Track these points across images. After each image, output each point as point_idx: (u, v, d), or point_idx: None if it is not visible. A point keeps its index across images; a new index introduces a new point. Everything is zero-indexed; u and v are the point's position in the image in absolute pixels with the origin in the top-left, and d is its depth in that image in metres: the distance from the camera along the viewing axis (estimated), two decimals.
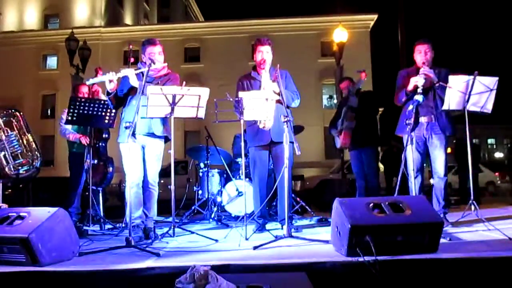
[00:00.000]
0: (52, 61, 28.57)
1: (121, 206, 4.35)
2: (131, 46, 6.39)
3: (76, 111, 4.50)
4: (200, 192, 6.12)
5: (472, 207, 3.76)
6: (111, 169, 5.18)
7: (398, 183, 4.00)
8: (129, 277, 2.50)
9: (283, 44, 27.01)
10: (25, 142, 4.54)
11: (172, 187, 3.73)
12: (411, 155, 3.89)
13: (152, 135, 3.86)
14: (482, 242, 3.12)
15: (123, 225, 4.32)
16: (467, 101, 3.70)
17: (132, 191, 3.77)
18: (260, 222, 4.07)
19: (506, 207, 5.96)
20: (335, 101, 15.68)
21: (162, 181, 14.53)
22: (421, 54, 4.07)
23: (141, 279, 2.49)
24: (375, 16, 28.11)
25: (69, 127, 5.19)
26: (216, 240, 3.54)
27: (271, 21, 28.32)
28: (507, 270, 2.43)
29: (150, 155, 3.86)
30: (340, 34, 10.68)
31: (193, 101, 3.75)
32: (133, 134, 3.77)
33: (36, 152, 4.57)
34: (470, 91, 3.67)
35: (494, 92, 3.66)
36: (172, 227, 3.70)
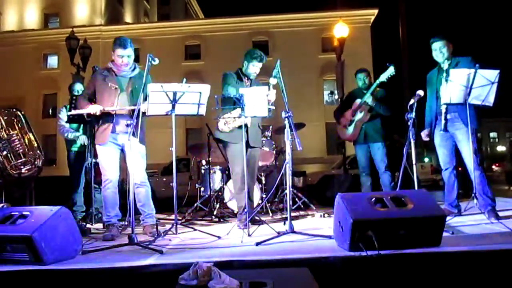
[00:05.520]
0: (53, 60, 28.58)
1: (124, 204, 4.36)
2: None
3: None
4: (202, 189, 6.13)
5: (475, 200, 3.75)
6: None
7: (400, 177, 4.00)
8: (132, 274, 2.51)
9: (283, 40, 27.03)
10: (26, 141, 4.55)
11: (174, 184, 3.74)
12: (413, 150, 3.89)
13: (132, 134, 3.84)
14: (485, 235, 3.12)
15: (126, 223, 4.33)
16: (469, 94, 3.69)
17: (108, 191, 3.86)
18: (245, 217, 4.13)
19: (507, 199, 5.95)
20: (336, 96, 15.67)
21: (164, 179, 14.56)
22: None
23: (144, 276, 2.49)
24: (375, 11, 28.02)
25: (67, 125, 5.21)
26: (219, 237, 3.54)
27: (271, 18, 28.27)
28: (509, 263, 2.43)
29: (133, 154, 3.80)
30: (340, 30, 10.65)
31: (194, 98, 3.74)
32: (113, 133, 3.84)
33: (38, 151, 4.58)
34: (472, 85, 3.66)
35: (495, 85, 3.64)
36: (175, 224, 3.70)
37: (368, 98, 4.87)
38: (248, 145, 4.19)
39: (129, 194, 3.47)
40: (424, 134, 4.34)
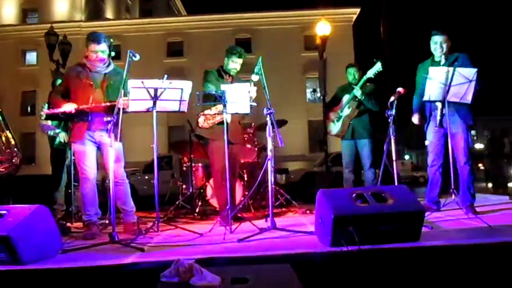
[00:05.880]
0: (31, 57, 28.06)
1: (105, 203, 4.31)
2: (112, 41, 6.28)
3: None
4: (184, 186, 6.10)
5: (453, 195, 3.82)
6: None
7: (380, 173, 4.05)
8: (114, 272, 2.48)
9: (266, 38, 27.06)
10: (3, 139, 4.44)
11: (155, 182, 3.71)
12: (394, 146, 3.93)
13: (108, 130, 3.79)
14: (463, 230, 3.18)
15: (107, 222, 4.29)
16: (448, 92, 3.75)
17: (86, 190, 3.82)
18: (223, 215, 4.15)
19: (485, 195, 6.08)
20: (319, 94, 15.76)
21: (146, 177, 14.46)
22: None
23: (125, 274, 2.47)
24: (357, 10, 28.29)
25: (49, 122, 5.12)
26: (201, 234, 3.53)
27: (254, 15, 28.29)
28: (487, 257, 2.48)
29: (111, 151, 3.68)
30: (323, 28, 10.69)
31: (175, 94, 3.72)
32: (89, 131, 3.79)
33: (15, 149, 4.47)
34: (450, 83, 3.72)
35: (473, 83, 3.70)
36: (156, 222, 3.68)
37: (357, 92, 4.86)
38: (228, 142, 4.20)
39: (109, 192, 3.43)
40: (416, 119, 4.34)
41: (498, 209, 4.27)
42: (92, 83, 3.80)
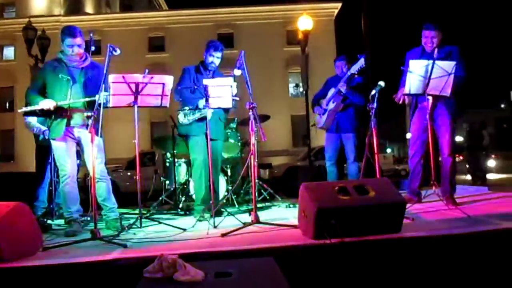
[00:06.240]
0: (9, 52, 27.47)
1: (87, 200, 4.26)
2: (92, 35, 6.18)
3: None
4: (167, 182, 6.06)
5: (434, 187, 3.89)
6: (78, 161, 5.05)
7: (363, 166, 4.09)
8: (96, 269, 2.46)
9: (249, 33, 26.99)
10: None
11: (138, 177, 3.69)
12: (375, 139, 3.97)
13: (88, 126, 3.74)
14: (443, 220, 3.24)
15: (88, 219, 4.24)
16: (427, 85, 3.80)
17: (67, 186, 3.77)
18: (201, 208, 4.20)
19: (465, 186, 6.20)
20: (301, 89, 15.81)
21: (129, 173, 14.33)
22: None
23: (108, 270, 2.44)
24: (339, 5, 28.41)
25: (34, 119, 5.01)
26: (184, 229, 3.52)
27: (236, 10, 28.19)
28: (466, 246, 2.54)
29: (90, 146, 3.59)
30: (305, 22, 10.70)
31: (157, 89, 3.69)
32: (69, 127, 3.73)
33: None
34: (430, 76, 3.77)
35: (452, 76, 3.75)
36: (139, 218, 3.65)
37: (342, 87, 4.88)
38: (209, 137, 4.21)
39: (91, 188, 3.39)
40: (397, 98, 4.33)
41: (477, 199, 4.36)
42: (69, 78, 3.73)
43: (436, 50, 4.05)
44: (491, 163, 14.08)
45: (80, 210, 3.91)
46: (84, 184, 5.89)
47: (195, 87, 4.21)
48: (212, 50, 4.40)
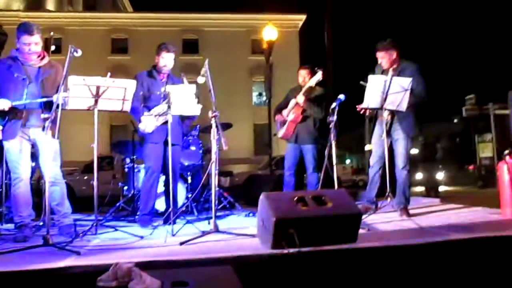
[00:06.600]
0: None
1: (39, 204, 4.11)
2: (52, 33, 6.00)
3: None
4: (125, 188, 5.94)
5: (389, 198, 4.01)
6: (33, 164, 4.86)
7: (322, 177, 4.16)
8: (47, 277, 2.37)
9: (214, 40, 26.97)
10: None
11: (95, 182, 3.60)
12: (334, 151, 4.06)
13: (43, 128, 3.63)
14: (397, 231, 3.35)
15: (40, 224, 4.09)
16: (385, 99, 3.93)
17: (19, 190, 3.62)
18: (148, 218, 4.19)
19: (418, 198, 6.43)
20: (264, 98, 15.95)
21: (85, 177, 13.91)
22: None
23: (60, 278, 2.37)
24: (303, 17, 28.93)
25: None
26: (142, 237, 3.46)
27: (202, 16, 28.10)
28: (418, 256, 2.64)
29: (46, 149, 3.56)
30: (269, 33, 10.83)
31: (118, 93, 3.63)
32: (23, 128, 3.60)
33: None
34: (388, 91, 3.90)
35: (408, 92, 3.91)
36: (95, 224, 3.56)
37: (300, 99, 4.91)
38: (168, 143, 4.17)
39: (44, 192, 3.27)
40: (359, 107, 4.34)
41: (430, 211, 4.54)
42: (25, 77, 3.60)
43: (392, 67, 4.21)
44: (442, 175, 14.69)
45: (32, 215, 3.76)
46: (38, 187, 5.68)
47: (149, 93, 4.12)
48: (164, 52, 4.31)
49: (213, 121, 3.43)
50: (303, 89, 4.93)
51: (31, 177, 3.88)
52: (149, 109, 4.13)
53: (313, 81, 4.86)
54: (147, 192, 4.28)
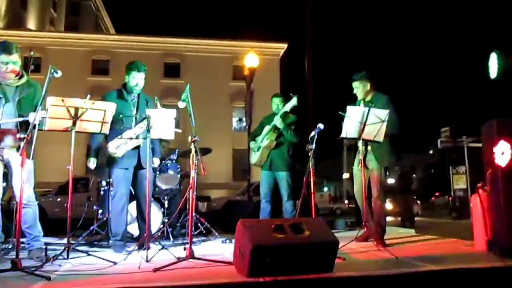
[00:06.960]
0: None
1: (9, 225, 3.98)
2: (32, 53, 5.96)
3: None
4: (100, 211, 5.81)
5: (365, 228, 4.04)
6: (5, 184, 4.72)
7: (299, 205, 4.18)
8: None
9: (195, 65, 27.19)
10: None
11: (69, 205, 3.52)
12: (312, 179, 4.09)
13: (18, 148, 3.53)
14: (372, 261, 3.36)
15: (9, 247, 3.95)
16: (362, 130, 4.02)
17: None
18: (122, 243, 4.13)
19: (394, 228, 6.50)
20: (244, 124, 16.05)
21: (59, 199, 13.57)
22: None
23: None
24: (285, 45, 29.53)
25: None
26: (115, 262, 3.37)
27: (184, 41, 28.38)
28: (394, 287, 2.65)
29: (20, 170, 3.37)
30: (251, 60, 10.97)
31: (97, 115, 3.60)
32: None
33: None
34: (365, 121, 3.99)
35: (385, 124, 4.01)
36: (67, 248, 3.46)
37: (277, 121, 4.91)
38: (140, 167, 4.20)
39: (15, 214, 3.17)
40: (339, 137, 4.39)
41: (405, 241, 4.58)
42: (1, 96, 3.55)
43: (367, 98, 4.34)
44: (417, 207, 14.88)
45: (0, 237, 3.64)
46: (8, 208, 5.51)
47: (120, 115, 4.00)
48: (134, 71, 4.25)
49: (192, 146, 3.43)
50: (278, 114, 4.95)
51: (1, 198, 3.78)
52: (117, 132, 4.02)
53: (288, 107, 4.89)
54: (116, 217, 4.20)
